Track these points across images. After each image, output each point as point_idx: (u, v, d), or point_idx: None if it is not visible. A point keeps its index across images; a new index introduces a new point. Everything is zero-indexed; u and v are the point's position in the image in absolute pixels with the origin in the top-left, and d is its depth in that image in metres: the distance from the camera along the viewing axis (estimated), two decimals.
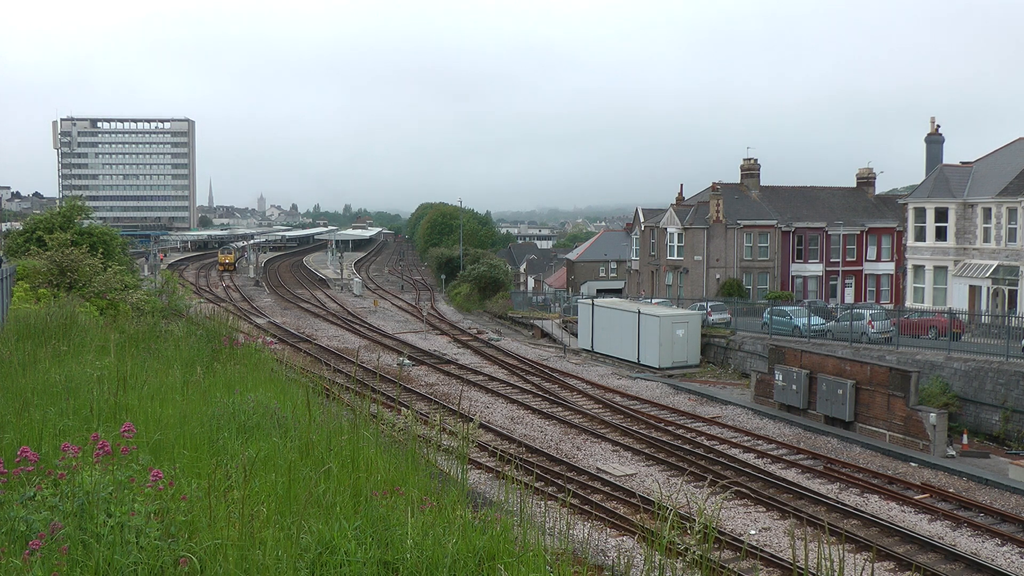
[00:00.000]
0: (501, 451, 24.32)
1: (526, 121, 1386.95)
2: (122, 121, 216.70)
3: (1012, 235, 43.27)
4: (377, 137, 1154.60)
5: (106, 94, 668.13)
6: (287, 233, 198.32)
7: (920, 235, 47.81)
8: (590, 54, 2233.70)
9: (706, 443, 27.34)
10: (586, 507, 20.01)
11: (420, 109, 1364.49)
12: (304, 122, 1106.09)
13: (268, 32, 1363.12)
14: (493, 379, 37.92)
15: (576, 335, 50.48)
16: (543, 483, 21.32)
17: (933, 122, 52.39)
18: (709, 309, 47.41)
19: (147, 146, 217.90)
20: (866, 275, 64.96)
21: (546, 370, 40.41)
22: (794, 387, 31.68)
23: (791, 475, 24.12)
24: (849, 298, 62.75)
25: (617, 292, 71.46)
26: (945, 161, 50.77)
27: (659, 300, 54.63)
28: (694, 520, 9.85)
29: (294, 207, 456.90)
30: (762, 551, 17.36)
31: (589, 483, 22.29)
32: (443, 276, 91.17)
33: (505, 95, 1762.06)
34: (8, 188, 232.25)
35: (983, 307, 43.47)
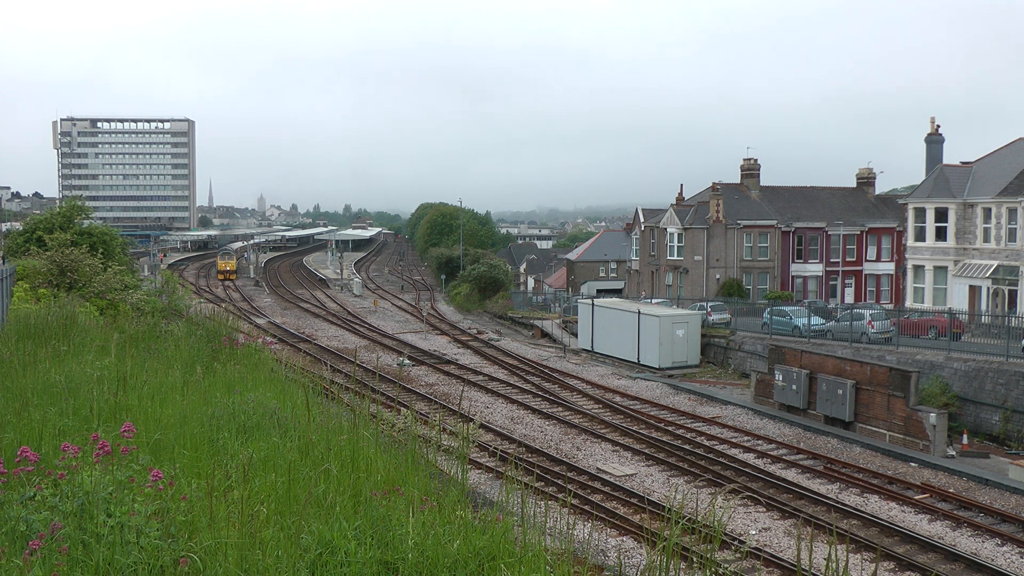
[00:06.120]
0: (501, 451, 24.31)
1: (534, 121, 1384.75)
2: (122, 121, 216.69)
3: (1012, 235, 43.27)
4: (383, 138, 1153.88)
5: (119, 95, 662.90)
6: (287, 233, 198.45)
7: (920, 235, 47.81)
8: (602, 54, 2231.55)
9: (706, 443, 27.33)
10: (586, 507, 20.00)
11: (428, 109, 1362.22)
12: (308, 122, 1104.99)
13: (279, 32, 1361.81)
14: (493, 379, 37.91)
15: (576, 335, 50.47)
16: (543, 483, 21.32)
17: (933, 122, 52.40)
18: (709, 309, 47.41)
19: (147, 146, 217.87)
20: (866, 275, 64.96)
21: (546, 370, 40.40)
22: (794, 387, 31.67)
23: (791, 475, 24.12)
24: (849, 298, 62.74)
25: (617, 292, 71.44)
26: (948, 161, 50.77)
27: (659, 300, 54.61)
28: (695, 521, 9.84)
29: (294, 207, 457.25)
30: (763, 551, 17.36)
31: (589, 483, 22.29)
32: (443, 276, 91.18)
33: (514, 95, 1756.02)
34: (8, 188, 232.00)
35: (983, 307, 43.47)
